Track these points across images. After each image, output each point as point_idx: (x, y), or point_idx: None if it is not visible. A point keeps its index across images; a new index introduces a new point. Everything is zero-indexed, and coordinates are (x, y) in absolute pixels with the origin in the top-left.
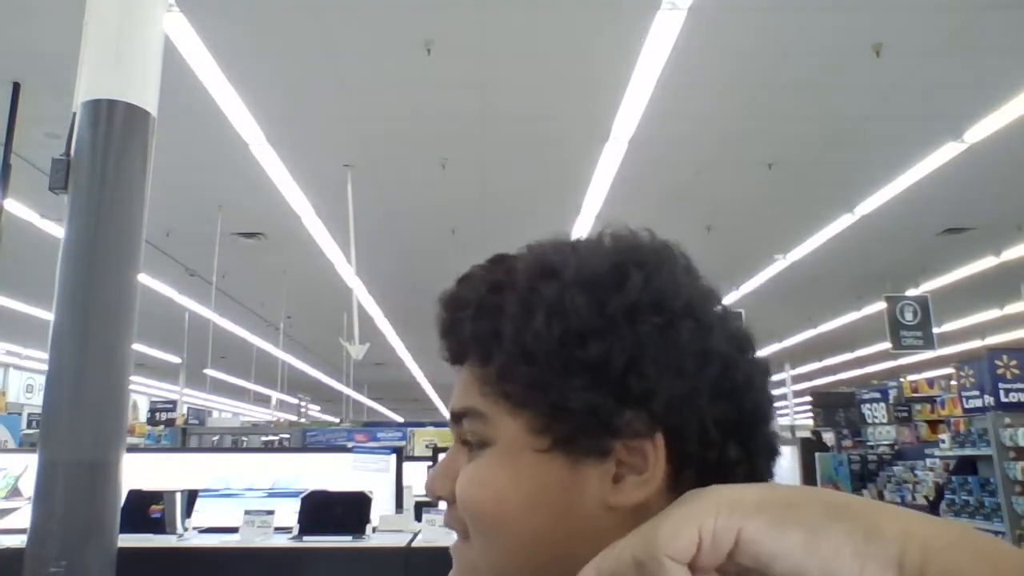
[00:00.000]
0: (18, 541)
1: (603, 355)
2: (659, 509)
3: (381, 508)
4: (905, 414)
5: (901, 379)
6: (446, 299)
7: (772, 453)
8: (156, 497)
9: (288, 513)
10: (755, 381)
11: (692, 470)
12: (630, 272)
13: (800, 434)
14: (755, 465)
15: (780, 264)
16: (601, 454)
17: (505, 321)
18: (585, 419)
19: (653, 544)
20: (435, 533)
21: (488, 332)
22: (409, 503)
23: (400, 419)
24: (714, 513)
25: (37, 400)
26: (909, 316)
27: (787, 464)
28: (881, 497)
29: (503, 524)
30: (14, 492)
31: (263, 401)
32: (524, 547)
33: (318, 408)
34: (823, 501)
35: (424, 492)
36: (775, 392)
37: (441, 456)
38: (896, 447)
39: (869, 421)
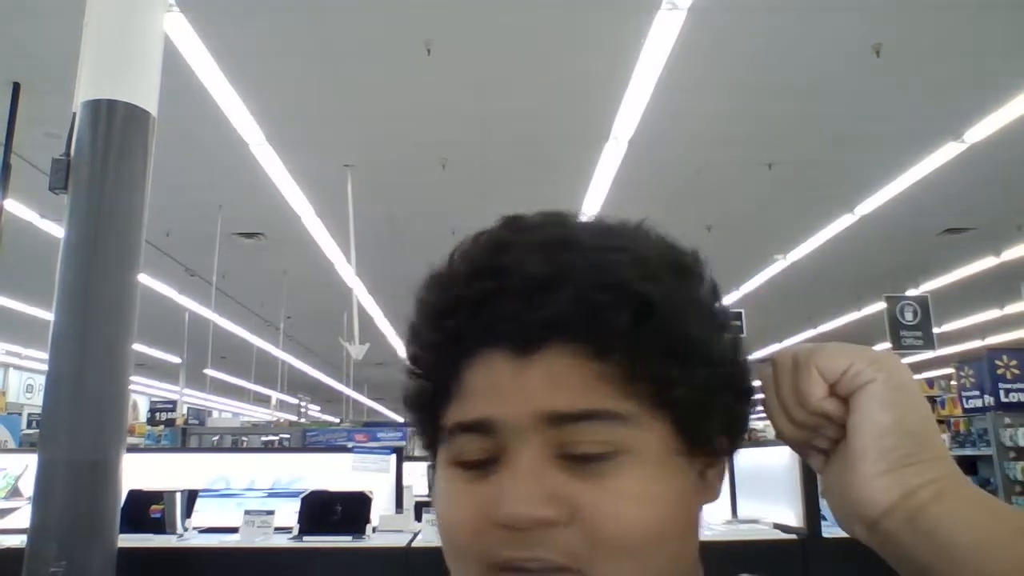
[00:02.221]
0: (18, 541)
1: (736, 354)
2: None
3: (381, 508)
4: None
5: None
6: (545, 261)
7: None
8: (156, 497)
9: (288, 513)
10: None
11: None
12: (704, 271)
13: None
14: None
15: (780, 264)
16: (715, 455)
17: (658, 314)
18: (722, 419)
19: (812, 356)
20: (435, 533)
21: (631, 321)
22: (409, 503)
23: (400, 419)
24: (867, 362)
25: (37, 400)
26: (909, 316)
27: (787, 464)
28: None
29: (661, 542)
30: (14, 492)
31: (263, 401)
32: (667, 562)
33: (318, 408)
34: (925, 419)
35: (427, 493)
36: None
37: (518, 472)
38: None
39: None
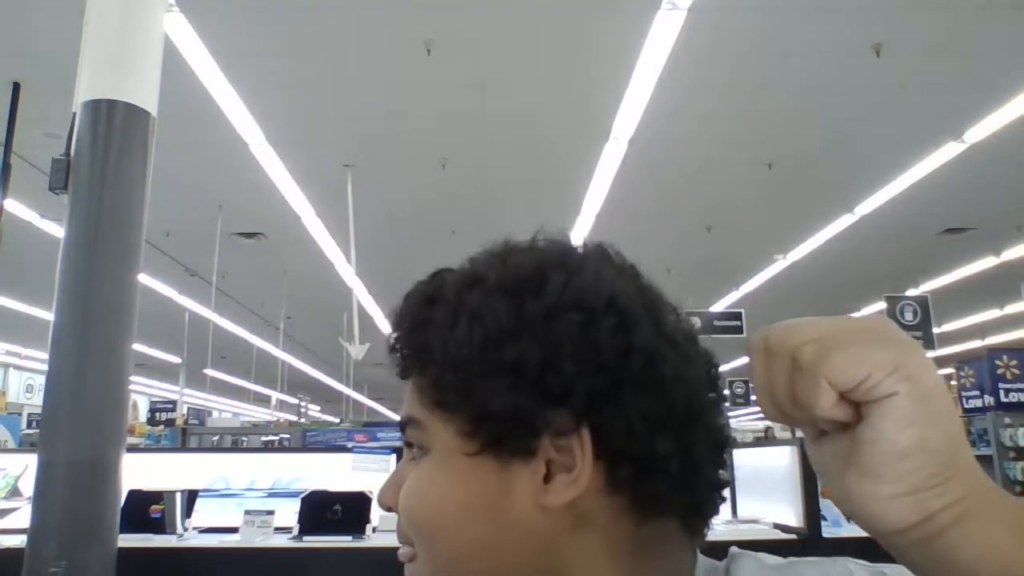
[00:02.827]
0: (18, 541)
1: (519, 356)
2: (595, 507)
3: (381, 508)
4: None
5: None
6: (392, 317)
7: (716, 445)
8: (156, 497)
9: (288, 513)
10: (687, 374)
11: (627, 464)
12: (549, 275)
13: (801, 434)
14: (692, 456)
15: (780, 264)
16: (528, 454)
17: (433, 332)
18: (509, 420)
19: (821, 363)
20: None
21: (421, 344)
22: None
23: (400, 419)
24: (889, 369)
25: (37, 400)
26: (909, 316)
27: (787, 464)
28: None
29: (440, 532)
30: (14, 492)
31: (263, 401)
32: (461, 555)
33: (318, 408)
34: (952, 431)
35: None
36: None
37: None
38: None
39: None
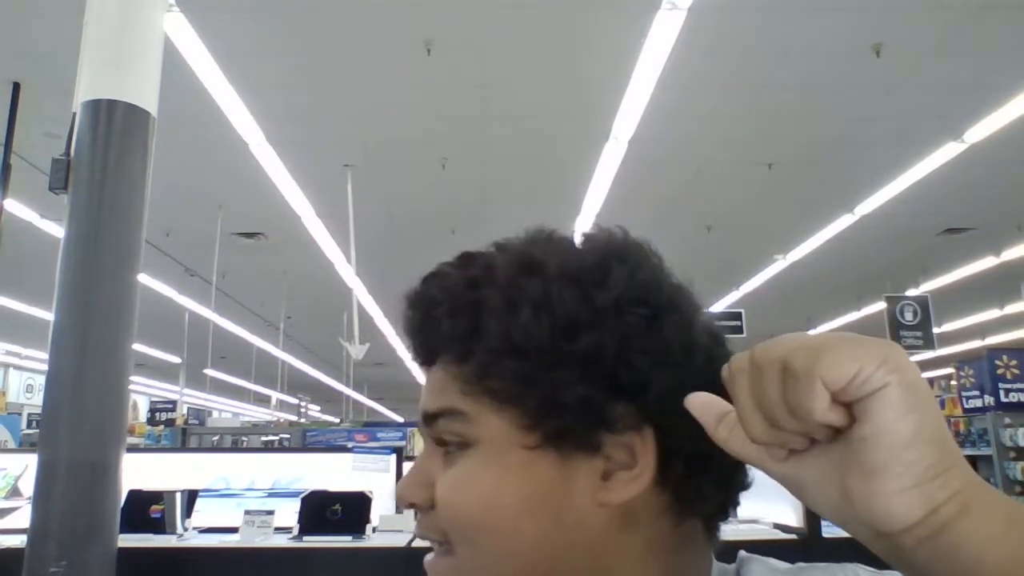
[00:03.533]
0: (18, 541)
1: (594, 347)
2: (642, 505)
3: (381, 508)
4: None
5: None
6: (415, 298)
7: None
8: (156, 497)
9: (288, 513)
10: None
11: (679, 460)
12: (613, 266)
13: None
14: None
15: (780, 264)
16: (592, 449)
17: (487, 317)
18: (577, 412)
19: (814, 365)
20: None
21: (467, 329)
22: None
23: (400, 419)
24: (878, 363)
25: (37, 400)
26: (909, 316)
27: None
28: None
29: (494, 529)
30: (14, 492)
31: (263, 401)
32: (516, 553)
33: (318, 408)
34: (940, 420)
35: None
36: None
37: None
38: None
39: None
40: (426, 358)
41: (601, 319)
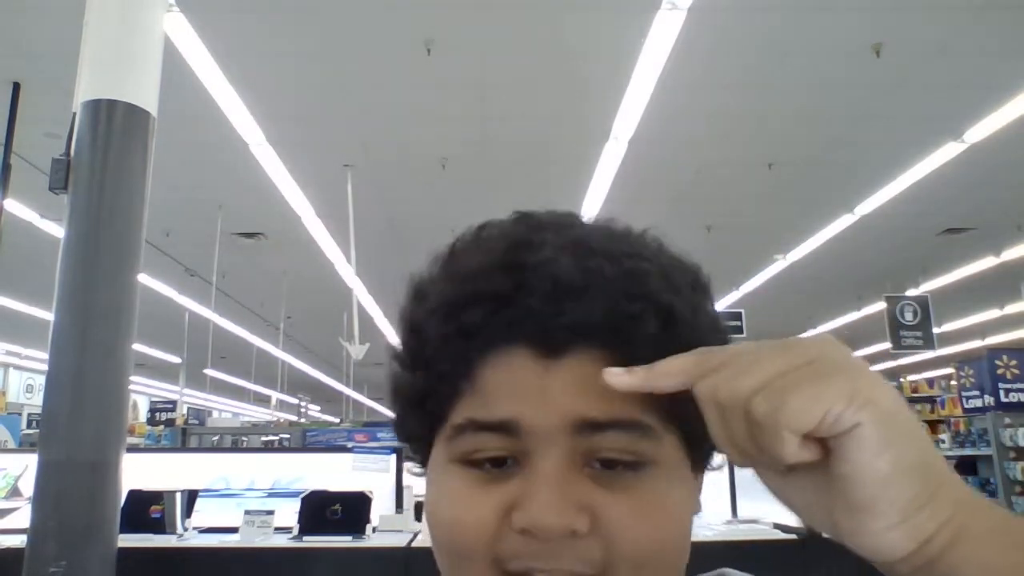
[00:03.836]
0: (18, 541)
1: None
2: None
3: (381, 508)
4: None
5: (901, 379)
6: (581, 256)
7: None
8: (156, 497)
9: (288, 513)
10: None
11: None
12: (700, 269)
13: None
14: None
15: (780, 264)
16: (705, 468)
17: (680, 324)
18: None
19: (777, 414)
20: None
21: (660, 328)
22: (409, 503)
23: None
24: (847, 402)
25: (37, 400)
26: (909, 316)
27: None
28: None
29: (678, 553)
30: (14, 492)
31: (263, 401)
32: (679, 573)
33: (318, 408)
34: (923, 446)
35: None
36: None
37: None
38: None
39: None
40: (556, 339)
41: (725, 334)
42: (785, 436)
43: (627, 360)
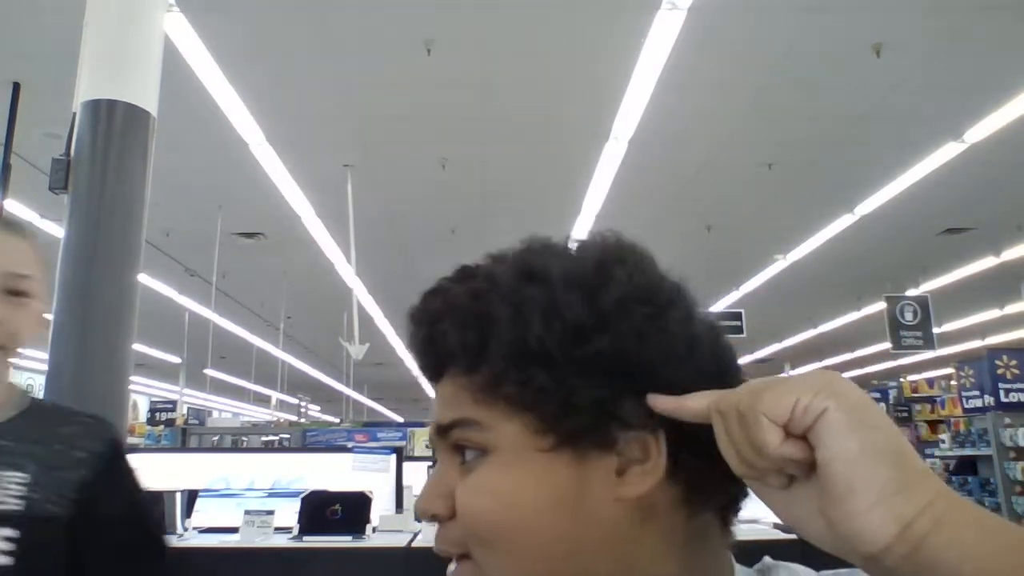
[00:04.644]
0: None
1: (604, 348)
2: (658, 499)
3: (381, 508)
4: (905, 414)
5: (901, 379)
6: (418, 314)
7: None
8: (156, 497)
9: (288, 513)
10: (736, 363)
11: (689, 452)
12: (613, 268)
13: None
14: None
15: (780, 264)
16: (606, 447)
17: (496, 327)
18: (590, 413)
19: (757, 404)
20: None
21: (475, 341)
22: (409, 503)
23: (400, 419)
24: (814, 392)
25: None
26: (909, 316)
27: None
28: None
29: (516, 532)
30: None
31: (263, 401)
32: (541, 553)
33: (318, 408)
34: (893, 436)
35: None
36: None
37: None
38: None
39: None
40: (434, 372)
41: (607, 321)
42: (764, 424)
43: (469, 369)
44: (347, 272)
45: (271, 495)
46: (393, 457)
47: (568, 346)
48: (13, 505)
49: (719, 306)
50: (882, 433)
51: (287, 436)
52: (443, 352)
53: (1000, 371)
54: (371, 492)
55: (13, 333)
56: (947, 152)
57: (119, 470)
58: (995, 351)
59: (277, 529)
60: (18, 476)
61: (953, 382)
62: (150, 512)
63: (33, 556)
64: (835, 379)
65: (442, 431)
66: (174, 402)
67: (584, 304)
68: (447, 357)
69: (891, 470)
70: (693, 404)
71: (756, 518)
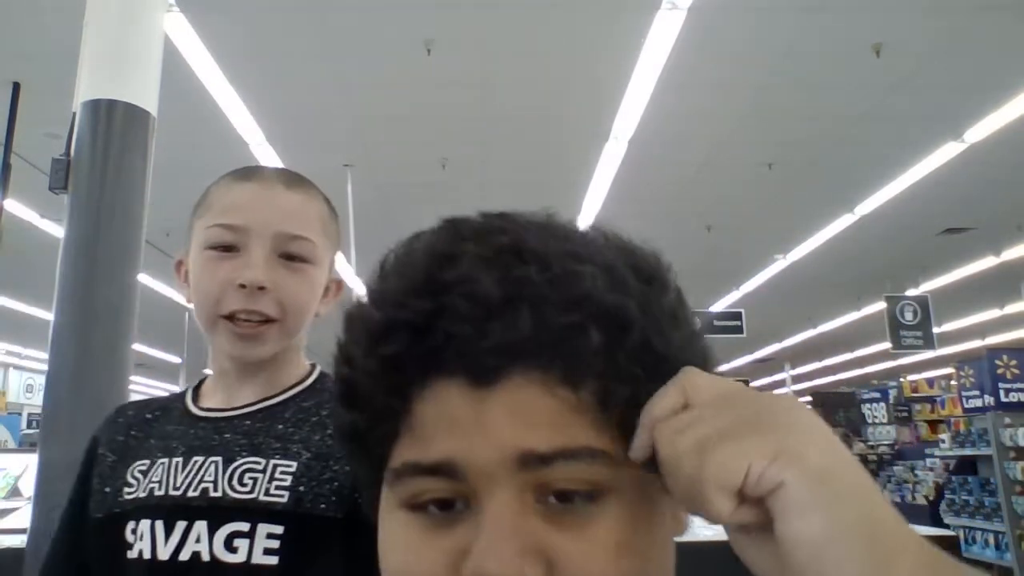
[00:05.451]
0: (18, 541)
1: (679, 366)
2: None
3: None
4: (905, 414)
5: (901, 379)
6: (510, 282)
7: None
8: None
9: None
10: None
11: None
12: (668, 272)
13: None
14: None
15: (780, 264)
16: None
17: (633, 329)
18: None
19: (700, 473)
20: None
21: (616, 341)
22: None
23: None
24: (769, 458)
25: (37, 400)
26: (909, 316)
27: None
28: None
29: None
30: (14, 492)
31: None
32: None
33: None
34: (865, 502)
35: None
36: (775, 392)
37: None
38: (896, 447)
39: (869, 421)
40: (487, 363)
41: (696, 337)
42: (712, 495)
43: (573, 378)
44: (347, 272)
45: None
46: None
47: (677, 357)
48: (280, 498)
49: (719, 306)
50: (851, 503)
51: None
52: (536, 343)
53: (1000, 371)
54: None
55: (283, 302)
56: (947, 152)
57: None
58: (995, 351)
59: None
60: (289, 466)
61: (953, 382)
62: None
63: (301, 558)
64: (795, 433)
65: (530, 462)
66: None
67: (691, 317)
68: (537, 351)
69: (863, 550)
70: (639, 441)
71: None
